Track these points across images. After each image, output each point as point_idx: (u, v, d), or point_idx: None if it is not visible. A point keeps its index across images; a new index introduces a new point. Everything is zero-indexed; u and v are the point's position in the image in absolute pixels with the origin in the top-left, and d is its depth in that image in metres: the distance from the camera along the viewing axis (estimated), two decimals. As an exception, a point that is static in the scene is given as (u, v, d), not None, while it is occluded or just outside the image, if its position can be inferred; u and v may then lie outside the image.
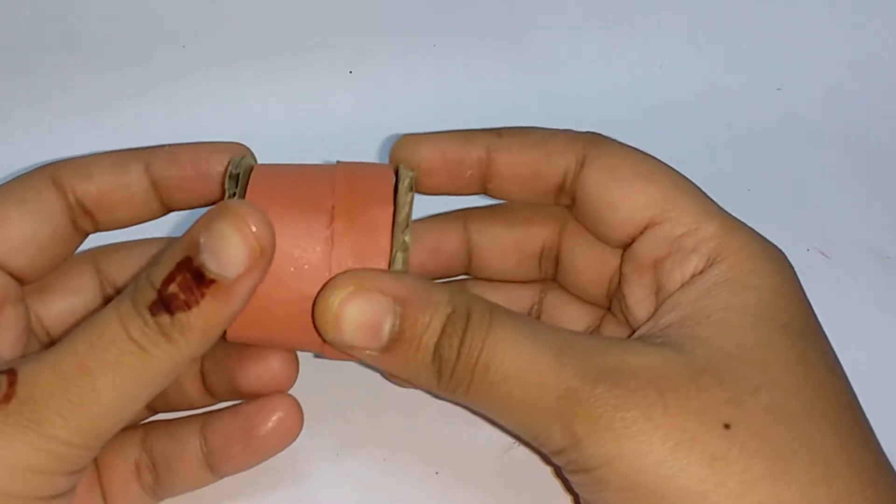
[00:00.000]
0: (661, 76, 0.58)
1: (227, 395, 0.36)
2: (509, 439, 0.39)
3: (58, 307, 0.35)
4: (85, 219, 0.34)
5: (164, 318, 0.27)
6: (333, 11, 0.54)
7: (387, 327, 0.29)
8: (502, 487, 0.38)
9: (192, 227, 0.28)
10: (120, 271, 0.37)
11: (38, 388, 0.27)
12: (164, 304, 0.27)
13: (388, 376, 0.37)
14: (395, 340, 0.30)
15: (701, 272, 0.31)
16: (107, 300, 0.36)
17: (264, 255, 0.28)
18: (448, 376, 0.29)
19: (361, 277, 0.30)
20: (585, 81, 0.58)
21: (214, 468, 0.35)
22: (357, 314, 0.29)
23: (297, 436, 0.35)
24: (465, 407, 0.39)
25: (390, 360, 0.30)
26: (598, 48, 0.58)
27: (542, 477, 0.38)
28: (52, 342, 0.35)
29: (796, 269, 0.47)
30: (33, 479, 0.27)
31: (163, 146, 0.34)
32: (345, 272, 0.30)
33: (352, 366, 0.40)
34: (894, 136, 0.56)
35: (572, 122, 0.56)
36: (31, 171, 0.33)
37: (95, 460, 0.34)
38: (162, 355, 0.28)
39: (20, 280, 0.33)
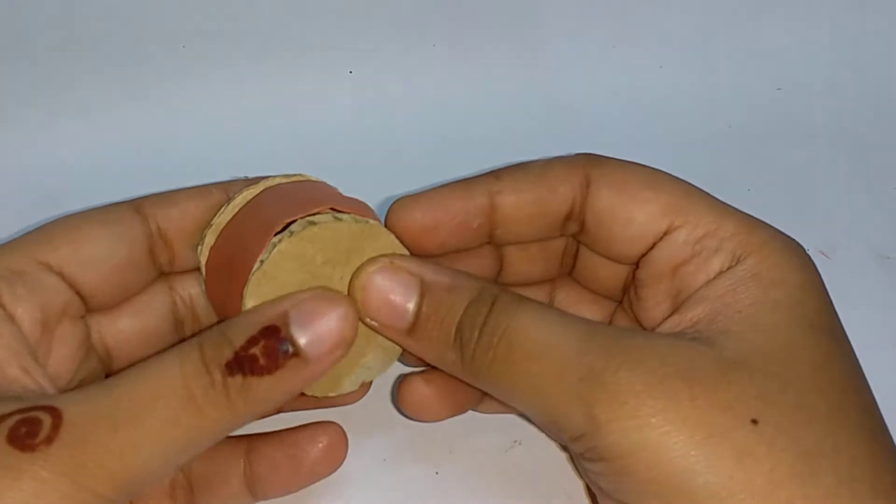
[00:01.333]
0: (661, 76, 0.58)
1: (293, 407, 0.37)
2: (509, 439, 0.39)
3: (123, 325, 0.35)
4: (163, 251, 0.34)
5: (236, 380, 0.27)
6: (333, 11, 0.54)
7: (411, 306, 0.30)
8: (502, 487, 0.38)
9: (277, 301, 0.29)
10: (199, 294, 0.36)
11: (84, 432, 0.26)
12: (239, 366, 0.27)
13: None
14: (419, 319, 0.30)
15: (727, 269, 0.31)
16: (178, 324, 0.36)
17: (347, 344, 0.29)
18: (470, 356, 0.30)
19: (394, 258, 0.31)
20: (585, 81, 0.58)
21: (257, 492, 0.35)
22: (383, 287, 0.31)
23: (342, 462, 0.35)
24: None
25: (415, 342, 0.31)
26: (599, 48, 0.58)
27: (542, 477, 0.38)
28: (108, 360, 0.35)
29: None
30: None
31: (240, 178, 0.35)
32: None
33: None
34: (892, 137, 0.57)
35: (572, 121, 0.57)
36: (116, 203, 0.33)
37: None
38: (217, 418, 0.27)
39: (87, 301, 0.32)
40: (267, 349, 0.28)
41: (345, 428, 0.38)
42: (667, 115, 0.57)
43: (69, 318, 0.32)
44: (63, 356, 0.32)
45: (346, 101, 0.55)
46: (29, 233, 0.32)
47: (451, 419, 0.39)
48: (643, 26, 0.58)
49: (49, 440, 0.25)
